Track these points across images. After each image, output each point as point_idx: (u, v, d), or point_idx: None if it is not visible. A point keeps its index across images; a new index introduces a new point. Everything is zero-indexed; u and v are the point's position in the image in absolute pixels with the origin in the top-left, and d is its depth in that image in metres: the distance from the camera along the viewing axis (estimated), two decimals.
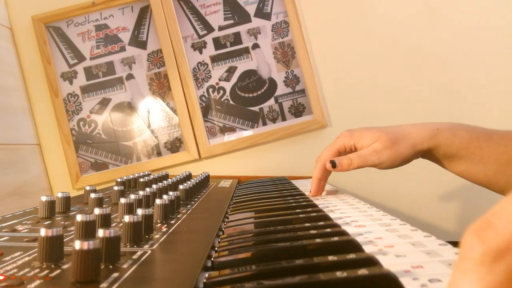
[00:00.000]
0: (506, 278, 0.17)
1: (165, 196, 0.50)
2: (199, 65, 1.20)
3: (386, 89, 1.15)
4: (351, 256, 0.31)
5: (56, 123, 1.19)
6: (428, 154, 0.65)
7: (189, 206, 0.59)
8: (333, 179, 0.94)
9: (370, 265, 0.29)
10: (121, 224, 0.39)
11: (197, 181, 0.75)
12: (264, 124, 1.18)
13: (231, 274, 0.31)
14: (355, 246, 0.35)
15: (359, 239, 0.37)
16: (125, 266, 0.31)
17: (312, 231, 0.40)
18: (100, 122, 1.20)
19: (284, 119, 1.17)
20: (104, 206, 0.50)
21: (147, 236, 0.40)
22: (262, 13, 1.20)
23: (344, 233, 0.39)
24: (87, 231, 0.37)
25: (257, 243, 0.38)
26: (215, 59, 1.20)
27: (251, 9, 1.20)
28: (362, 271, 0.27)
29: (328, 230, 0.40)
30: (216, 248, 0.39)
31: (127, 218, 0.37)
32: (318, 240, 0.36)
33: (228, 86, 1.19)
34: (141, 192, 0.55)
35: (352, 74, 1.17)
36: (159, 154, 1.19)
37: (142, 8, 1.21)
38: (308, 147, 1.15)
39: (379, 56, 1.16)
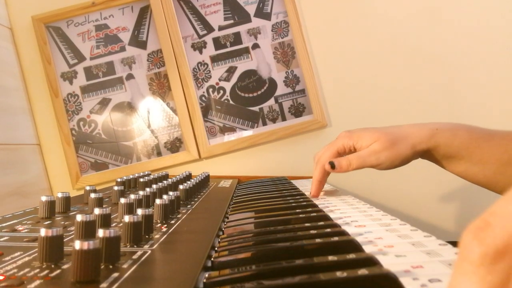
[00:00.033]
0: (506, 278, 0.17)
1: (165, 196, 0.50)
2: (199, 65, 1.20)
3: (386, 89, 1.15)
4: (351, 256, 0.31)
5: (56, 123, 1.19)
6: (428, 154, 0.65)
7: (189, 206, 0.59)
8: (333, 179, 0.94)
9: (370, 265, 0.29)
10: (121, 224, 0.39)
11: (197, 181, 0.75)
12: (264, 124, 1.18)
13: (231, 274, 0.31)
14: (355, 246, 0.35)
15: (359, 239, 0.37)
16: (125, 266, 0.31)
17: (312, 231, 0.40)
18: (100, 122, 1.20)
19: (284, 119, 1.17)
20: (104, 206, 0.50)
21: (147, 236, 0.40)
22: (262, 13, 1.20)
23: (344, 233, 0.39)
24: (87, 231, 0.37)
25: (257, 243, 0.38)
26: (215, 59, 1.20)
27: (251, 9, 1.20)
28: (362, 271, 0.27)
29: (328, 230, 0.40)
30: (216, 248, 0.39)
31: (127, 218, 0.37)
32: (318, 240, 0.36)
33: (228, 86, 1.19)
34: (141, 192, 0.55)
35: (352, 74, 1.17)
36: (159, 154, 1.19)
37: (142, 8, 1.21)
38: (308, 147, 1.15)
39: (379, 56, 1.16)
